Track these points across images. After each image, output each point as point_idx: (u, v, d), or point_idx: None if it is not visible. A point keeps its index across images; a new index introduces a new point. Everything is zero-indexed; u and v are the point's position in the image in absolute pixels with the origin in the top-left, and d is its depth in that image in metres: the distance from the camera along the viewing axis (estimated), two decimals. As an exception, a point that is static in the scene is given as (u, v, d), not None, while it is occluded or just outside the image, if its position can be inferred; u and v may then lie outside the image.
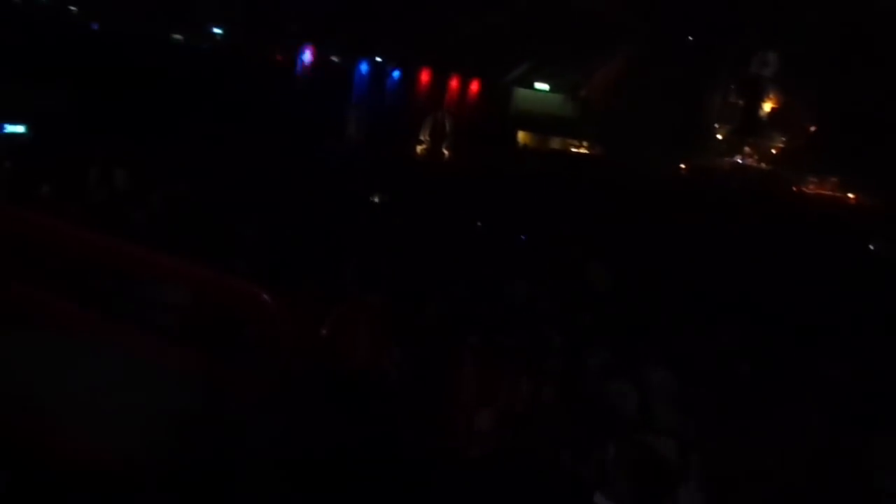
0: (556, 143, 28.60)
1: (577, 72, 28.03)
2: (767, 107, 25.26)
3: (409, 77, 24.96)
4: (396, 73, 24.52)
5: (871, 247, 17.68)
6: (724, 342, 7.29)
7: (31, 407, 2.20)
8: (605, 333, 6.80)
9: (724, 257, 12.39)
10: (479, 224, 12.51)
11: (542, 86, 28.94)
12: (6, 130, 12.57)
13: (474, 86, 27.92)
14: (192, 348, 2.84)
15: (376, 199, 13.02)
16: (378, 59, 23.23)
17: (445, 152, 24.63)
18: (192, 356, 2.75)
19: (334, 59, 22.10)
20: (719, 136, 26.36)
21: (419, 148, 24.45)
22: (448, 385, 4.59)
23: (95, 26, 15.67)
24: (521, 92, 29.07)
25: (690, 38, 24.92)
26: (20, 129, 12.81)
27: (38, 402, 2.23)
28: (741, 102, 26.19)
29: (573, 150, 28.49)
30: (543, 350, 6.21)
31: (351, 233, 9.60)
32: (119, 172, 10.43)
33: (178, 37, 17.44)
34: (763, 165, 25.02)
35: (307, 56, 20.69)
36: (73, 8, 14.92)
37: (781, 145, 25.05)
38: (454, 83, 27.12)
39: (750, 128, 25.67)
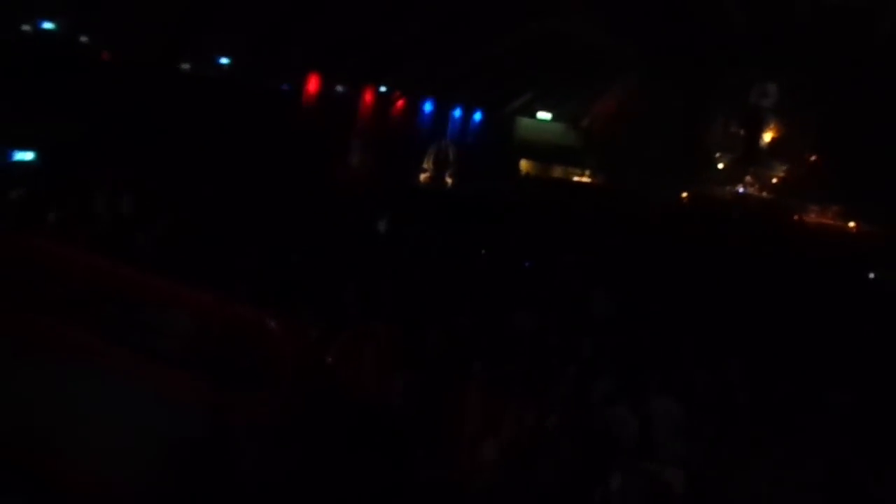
0: (558, 171, 28.76)
1: (578, 101, 28.32)
2: (768, 136, 25.42)
3: (413, 107, 25.22)
4: (400, 103, 24.79)
5: (872, 275, 17.69)
6: (726, 372, 7.27)
7: (39, 434, 2.20)
8: (609, 362, 6.79)
9: (725, 286, 12.38)
10: (483, 252, 12.53)
11: (544, 115, 29.21)
12: (16, 158, 12.68)
13: (477, 115, 28.21)
14: (197, 375, 2.84)
15: (381, 227, 13.06)
16: (382, 89, 23.48)
17: (449, 180, 24.78)
18: (197, 383, 2.75)
19: (339, 88, 22.32)
20: (720, 166, 26.49)
21: (423, 176, 24.62)
22: (453, 415, 4.57)
23: (105, 55, 15.87)
24: (523, 121, 29.36)
25: (691, 68, 25.19)
26: (29, 156, 12.93)
27: (46, 430, 2.23)
28: (742, 132, 26.38)
29: (575, 178, 28.65)
30: (548, 378, 6.19)
31: (356, 259, 9.63)
32: (125, 199, 10.51)
33: (185, 66, 17.64)
34: (764, 194, 25.11)
35: (312, 85, 20.92)
36: (83, 38, 15.12)
37: (782, 174, 25.16)
38: (457, 113, 27.40)
39: (751, 157, 25.82)
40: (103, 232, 8.56)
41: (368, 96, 23.08)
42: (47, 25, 14.24)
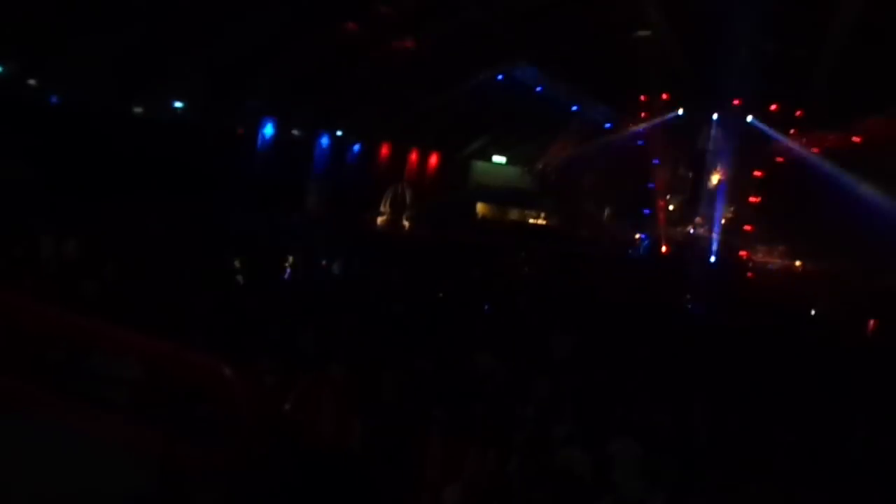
0: (514, 214, 29.13)
1: (533, 145, 28.93)
2: (714, 179, 26.26)
3: (369, 150, 25.38)
4: (356, 147, 24.92)
5: (813, 312, 18.37)
6: (684, 412, 7.34)
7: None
8: (567, 403, 6.79)
9: (680, 324, 12.61)
10: (440, 295, 12.51)
11: (499, 159, 29.71)
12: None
13: (433, 159, 28.53)
14: (149, 426, 2.72)
15: (336, 270, 12.96)
16: (338, 132, 23.60)
17: (406, 223, 24.84)
18: (149, 435, 2.63)
19: (295, 132, 22.36)
20: (671, 207, 27.20)
21: (379, 219, 24.64)
22: (414, 460, 4.48)
23: (54, 99, 15.61)
24: (479, 164, 29.80)
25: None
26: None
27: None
28: (690, 175, 27.25)
29: (531, 220, 29.03)
30: (508, 421, 6.14)
31: (311, 303, 9.50)
32: (71, 243, 10.21)
33: (138, 110, 17.46)
34: (713, 235, 25.84)
35: (268, 130, 20.91)
36: (31, 81, 14.86)
37: (730, 215, 25.96)
38: (413, 156, 27.66)
39: (699, 198, 26.62)
40: (49, 278, 8.28)
41: (324, 140, 23.16)
42: (-7, 68, 13.97)
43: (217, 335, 6.58)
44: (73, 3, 13.71)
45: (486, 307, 11.75)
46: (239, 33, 16.91)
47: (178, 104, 18.37)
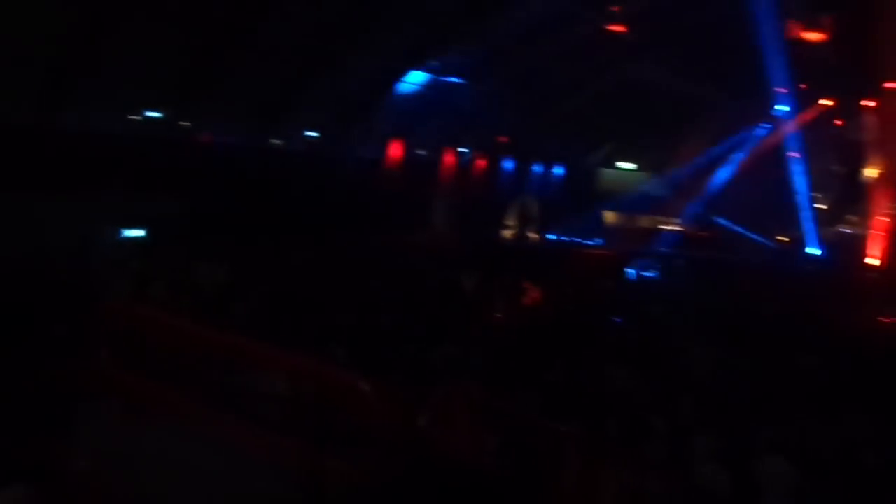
0: (645, 221, 28.14)
1: (662, 149, 27.90)
2: (871, 172, 24.01)
3: (493, 164, 25.54)
4: (481, 162, 25.15)
5: None
6: (848, 429, 6.69)
7: (142, 491, 2.29)
8: (711, 418, 6.43)
9: (845, 334, 11.44)
10: (571, 308, 12.30)
11: (626, 164, 28.96)
12: (126, 235, 13.66)
13: (557, 169, 28.24)
14: (294, 439, 2.89)
15: (468, 285, 13.10)
16: (462, 149, 23.94)
17: (532, 235, 24.72)
18: (294, 447, 2.80)
19: (421, 152, 22.94)
20: (823, 206, 25.18)
21: (506, 232, 24.69)
22: (549, 476, 4.42)
23: (204, 137, 17.07)
24: (605, 172, 29.21)
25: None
26: (140, 233, 13.92)
27: (148, 487, 2.32)
28: (842, 170, 25.12)
29: (665, 227, 27.91)
30: (645, 437, 5.92)
31: (445, 319, 9.66)
32: (224, 269, 11.05)
33: (277, 142, 18.71)
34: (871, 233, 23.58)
35: (394, 150, 21.60)
36: (184, 123, 16.33)
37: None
38: (538, 168, 27.53)
39: (851, 195, 24.44)
40: (204, 301, 9.00)
41: (449, 157, 23.57)
42: (152, 114, 15.54)
43: (356, 353, 6.86)
44: (214, 54, 15.01)
45: (618, 319, 11.38)
46: (361, 64, 17.76)
47: (311, 134, 19.51)
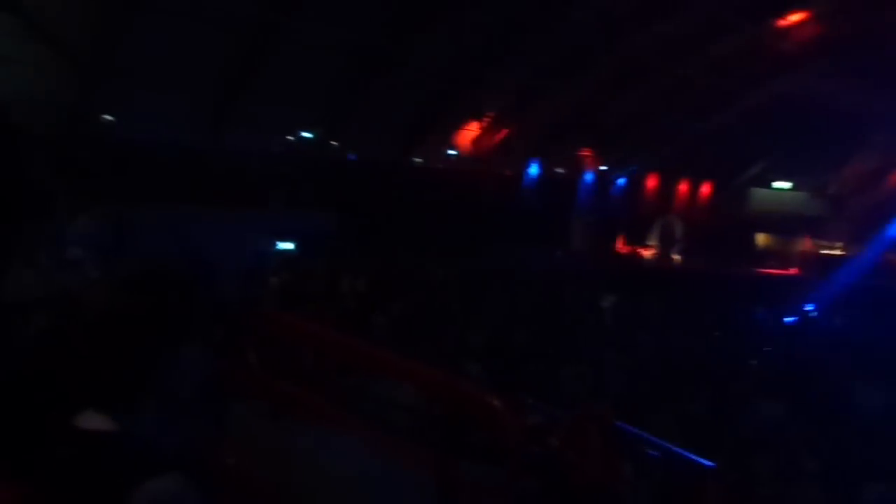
0: (802, 244, 26.09)
1: (823, 167, 25.80)
2: None
3: (635, 184, 24.81)
4: (621, 181, 24.54)
5: None
6: None
7: (287, 487, 2.40)
8: (878, 464, 5.79)
9: None
10: (717, 334, 11.61)
11: (781, 184, 27.02)
12: (279, 247, 14.64)
13: (705, 188, 26.93)
14: (426, 448, 2.92)
15: (606, 304, 12.77)
16: (603, 168, 23.48)
17: (676, 257, 23.68)
18: (426, 456, 2.82)
19: (558, 170, 22.78)
20: None
21: (648, 253, 23.84)
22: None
23: (352, 157, 18.01)
24: (758, 192, 27.41)
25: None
26: (290, 246, 14.86)
27: (293, 484, 2.42)
28: None
29: (825, 251, 25.71)
30: (797, 478, 5.44)
31: (581, 339, 9.46)
32: (367, 281, 11.49)
33: (418, 160, 19.34)
34: None
35: (534, 169, 21.58)
36: (334, 142, 17.33)
37: None
38: (683, 187, 26.41)
39: None
40: (347, 311, 9.40)
41: (588, 176, 23.19)
42: (306, 135, 16.64)
43: (490, 369, 6.87)
44: (363, 80, 15.82)
45: (768, 349, 10.58)
46: (503, 83, 17.93)
47: (451, 152, 19.95)
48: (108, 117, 13.49)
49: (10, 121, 1.86)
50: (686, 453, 4.38)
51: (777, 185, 27.13)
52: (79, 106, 12.80)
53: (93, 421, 1.46)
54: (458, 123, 19.24)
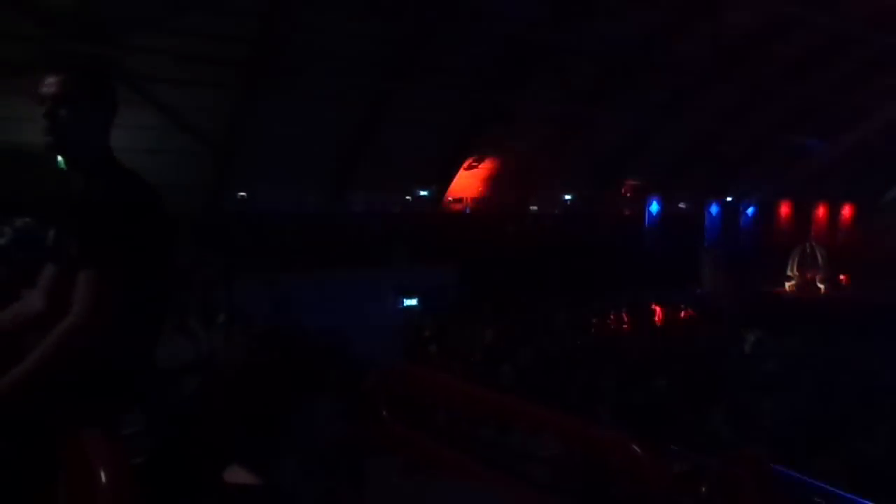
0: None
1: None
2: None
3: (766, 211, 23.44)
4: (750, 210, 23.26)
5: None
6: None
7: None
8: None
9: None
10: (877, 367, 10.52)
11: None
12: (405, 304, 15.05)
13: (846, 211, 24.97)
14: (566, 500, 2.80)
15: (747, 345, 11.96)
16: (728, 198, 22.40)
17: (820, 286, 21.93)
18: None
19: (682, 205, 21.98)
20: None
21: (788, 284, 22.25)
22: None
23: (467, 210, 18.34)
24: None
25: None
26: (414, 301, 15.21)
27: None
28: None
29: None
30: None
31: (721, 377, 8.89)
32: (491, 332, 11.47)
33: (534, 208, 19.35)
34: None
35: (654, 206, 20.96)
36: (450, 199, 17.80)
37: None
38: (820, 211, 24.63)
39: None
40: (474, 362, 9.38)
41: (713, 208, 22.18)
42: (423, 193, 17.18)
43: (627, 414, 6.57)
44: (472, 131, 16.19)
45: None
46: (615, 124, 17.75)
47: (567, 197, 19.81)
48: (243, 194, 14.58)
49: (163, 206, 2.05)
50: (857, 498, 3.94)
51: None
52: (217, 186, 13.95)
53: (239, 475, 1.51)
54: (571, 167, 19.12)
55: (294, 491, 1.58)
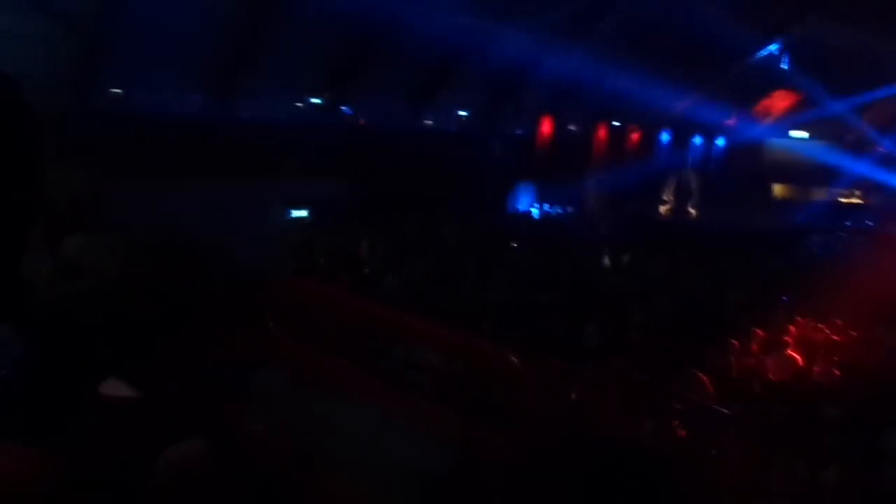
0: (819, 194, 25.71)
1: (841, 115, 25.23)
2: None
3: (648, 139, 24.46)
4: (634, 136, 24.19)
5: None
6: None
7: (308, 454, 2.43)
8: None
9: None
10: (733, 292, 11.53)
11: (798, 133, 26.52)
12: (292, 215, 14.65)
13: (720, 141, 26.49)
14: (447, 409, 2.94)
15: (624, 261, 12.71)
16: (615, 123, 23.14)
17: (692, 211, 23.46)
18: (448, 417, 2.84)
19: (572, 128, 22.47)
20: None
21: (663, 208, 23.62)
22: (712, 463, 4.19)
23: (362, 121, 17.88)
24: (773, 143, 26.93)
25: None
26: (304, 213, 14.87)
27: (313, 451, 2.45)
28: None
29: (843, 200, 25.33)
30: (818, 426, 5.45)
31: (598, 296, 9.45)
32: (380, 246, 11.51)
33: (429, 122, 19.17)
34: None
35: (545, 128, 21.31)
36: (343, 108, 17.21)
37: None
38: (696, 140, 26.00)
39: None
40: (363, 275, 9.43)
41: (602, 133, 22.87)
42: (315, 101, 16.50)
43: (507, 329, 6.89)
44: (368, 43, 15.59)
45: (785, 299, 10.51)
46: (512, 41, 17.63)
47: (462, 113, 19.75)
48: (117, 90, 13.43)
49: (21, 97, 1.84)
50: (706, 404, 4.41)
51: (794, 133, 26.64)
52: (85, 81, 12.72)
53: (116, 388, 1.47)
54: (469, 85, 18.96)
55: (177, 403, 1.56)
